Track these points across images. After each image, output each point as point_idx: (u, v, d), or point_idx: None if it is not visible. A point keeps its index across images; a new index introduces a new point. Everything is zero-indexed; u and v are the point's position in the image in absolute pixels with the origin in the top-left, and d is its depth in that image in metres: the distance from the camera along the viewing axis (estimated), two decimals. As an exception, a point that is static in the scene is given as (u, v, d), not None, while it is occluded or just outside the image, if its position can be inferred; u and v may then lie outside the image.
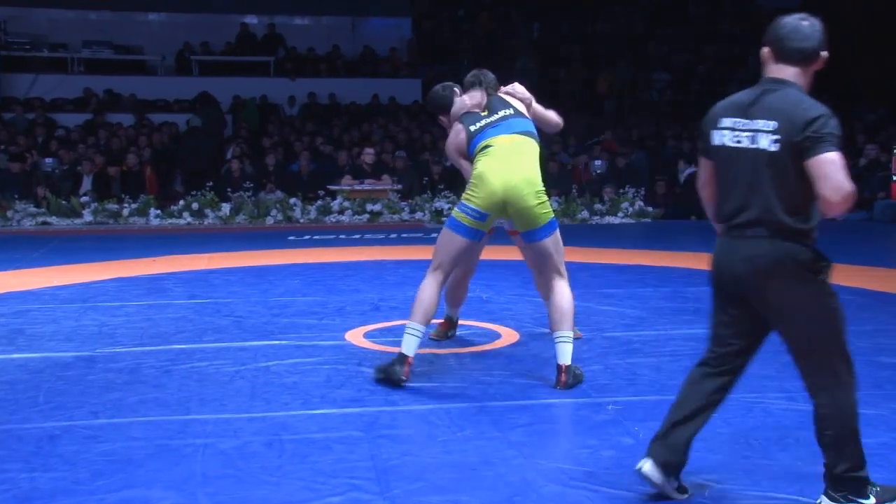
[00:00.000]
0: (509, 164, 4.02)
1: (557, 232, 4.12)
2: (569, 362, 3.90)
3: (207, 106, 15.82)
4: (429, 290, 4.03)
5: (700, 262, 7.91)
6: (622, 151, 13.88)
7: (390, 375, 3.98)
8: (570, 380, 3.88)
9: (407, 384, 3.97)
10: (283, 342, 4.89)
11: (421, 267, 7.55)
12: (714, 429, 3.38)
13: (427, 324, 4.06)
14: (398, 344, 4.83)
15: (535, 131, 4.21)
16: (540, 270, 4.26)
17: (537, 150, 4.16)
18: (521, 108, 4.26)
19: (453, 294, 4.91)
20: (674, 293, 6.35)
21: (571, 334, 3.97)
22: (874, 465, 3.00)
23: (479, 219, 4.01)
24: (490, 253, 8.57)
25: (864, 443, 3.19)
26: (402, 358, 3.97)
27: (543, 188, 4.11)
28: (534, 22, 18.60)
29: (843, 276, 7.06)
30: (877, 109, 16.97)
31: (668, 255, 8.48)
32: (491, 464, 3.06)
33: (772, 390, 3.89)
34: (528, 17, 19.43)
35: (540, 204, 4.04)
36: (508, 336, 5.03)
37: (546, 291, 4.34)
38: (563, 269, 4.07)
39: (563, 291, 4.00)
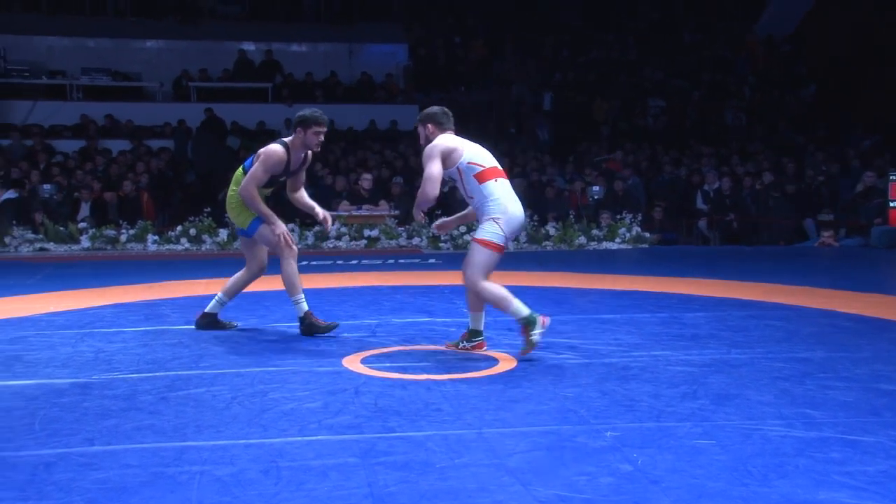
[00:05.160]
0: None
1: (259, 230, 5.76)
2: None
3: (207, 128, 15.91)
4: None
5: (698, 287, 7.95)
6: (620, 176, 13.92)
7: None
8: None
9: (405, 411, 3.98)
10: (281, 368, 4.88)
11: (419, 292, 7.59)
12: (712, 455, 3.38)
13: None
14: (396, 370, 4.83)
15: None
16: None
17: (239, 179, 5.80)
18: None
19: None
20: (671, 319, 6.35)
21: (301, 297, 5.76)
22: (873, 493, 2.99)
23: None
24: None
25: (863, 471, 3.19)
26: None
27: (233, 204, 5.85)
28: (546, 92, 18.55)
29: (841, 302, 7.10)
30: (872, 136, 17.07)
31: (665, 280, 8.49)
32: (488, 491, 3.04)
33: (770, 417, 3.88)
34: (523, 47, 19.57)
35: (233, 213, 5.88)
36: (506, 362, 5.02)
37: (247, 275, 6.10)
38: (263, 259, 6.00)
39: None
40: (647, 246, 12.26)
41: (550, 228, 12.23)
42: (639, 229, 12.41)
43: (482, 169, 4.99)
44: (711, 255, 11.62)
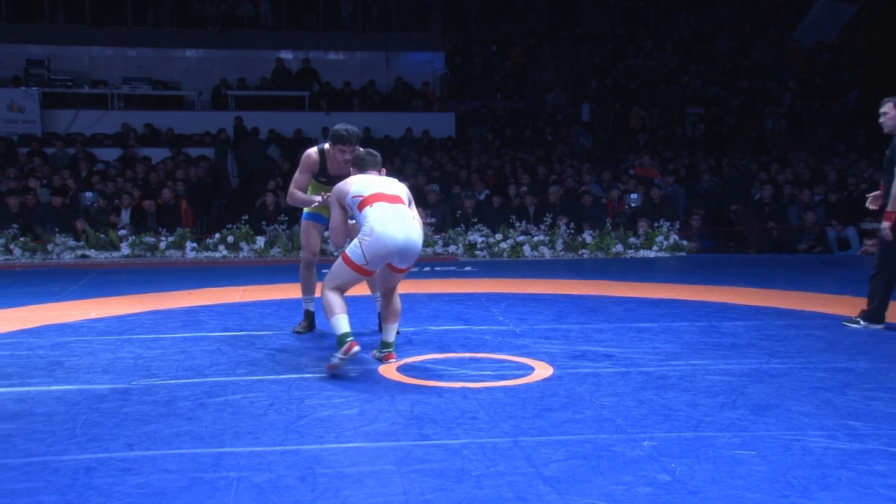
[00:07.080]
0: None
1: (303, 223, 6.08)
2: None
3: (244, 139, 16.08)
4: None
5: (735, 296, 7.87)
6: (659, 184, 13.81)
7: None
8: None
9: (439, 418, 3.98)
10: (317, 375, 4.90)
11: (455, 300, 7.58)
12: (751, 466, 3.34)
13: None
14: (432, 377, 4.84)
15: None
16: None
17: None
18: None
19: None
20: (709, 327, 6.29)
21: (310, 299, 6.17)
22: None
23: None
24: (523, 287, 8.57)
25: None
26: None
27: None
28: (582, 104, 18.47)
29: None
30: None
31: (702, 289, 8.41)
32: (524, 499, 3.03)
33: (811, 427, 3.83)
34: (560, 54, 19.53)
35: None
36: (542, 370, 5.00)
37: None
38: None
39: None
40: (684, 254, 12.15)
41: (587, 236, 12.16)
42: (676, 237, 12.30)
43: (363, 197, 5.08)
44: (749, 263, 11.49)
